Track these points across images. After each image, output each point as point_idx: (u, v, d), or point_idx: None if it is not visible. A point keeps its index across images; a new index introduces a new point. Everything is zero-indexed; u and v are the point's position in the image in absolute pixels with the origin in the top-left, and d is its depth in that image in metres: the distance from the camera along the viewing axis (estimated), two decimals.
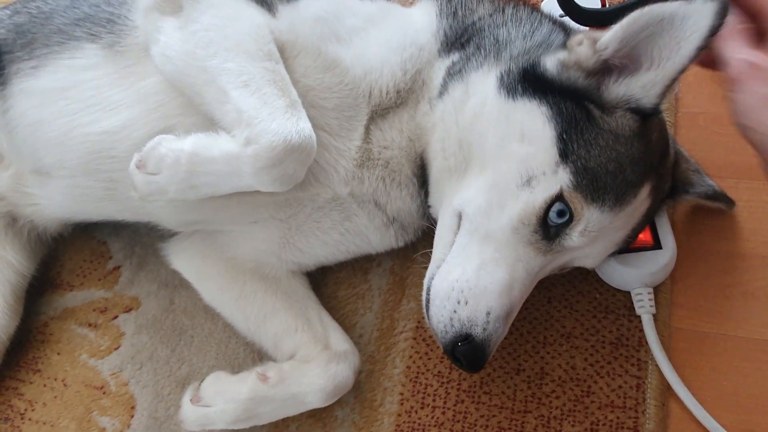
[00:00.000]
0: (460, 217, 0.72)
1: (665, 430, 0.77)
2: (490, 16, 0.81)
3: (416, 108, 0.79)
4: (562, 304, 0.88)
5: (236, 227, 0.88)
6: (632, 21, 0.65)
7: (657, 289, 0.84)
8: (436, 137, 0.77)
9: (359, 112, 0.77)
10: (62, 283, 1.08)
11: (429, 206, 0.81)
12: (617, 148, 0.68)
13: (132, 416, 0.94)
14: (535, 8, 0.82)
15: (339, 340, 0.84)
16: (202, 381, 0.82)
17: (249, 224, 0.86)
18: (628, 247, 0.79)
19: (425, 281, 0.73)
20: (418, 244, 0.91)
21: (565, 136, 0.67)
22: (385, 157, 0.79)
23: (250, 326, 0.88)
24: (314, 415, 0.87)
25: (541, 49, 0.76)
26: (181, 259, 0.94)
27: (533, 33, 0.77)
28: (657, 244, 0.81)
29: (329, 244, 0.86)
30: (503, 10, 0.81)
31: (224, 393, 0.79)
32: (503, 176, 0.69)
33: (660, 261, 0.80)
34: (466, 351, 0.67)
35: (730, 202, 0.87)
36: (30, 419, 0.96)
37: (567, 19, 0.81)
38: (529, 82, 0.71)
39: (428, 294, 0.71)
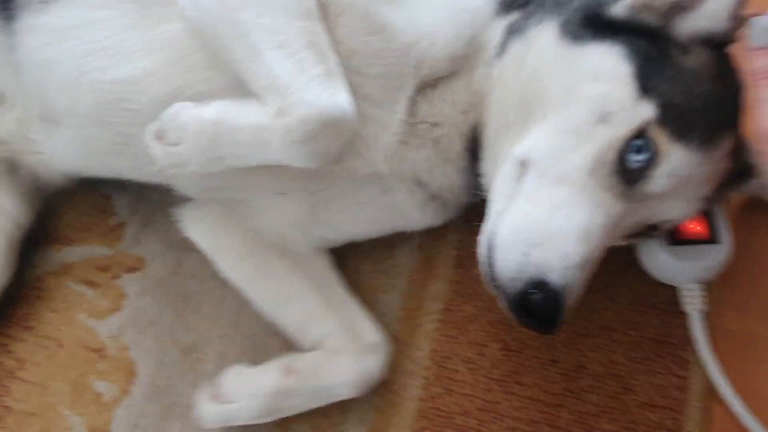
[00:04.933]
0: (523, 166, 0.70)
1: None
2: None
3: (471, 74, 0.78)
4: (603, 295, 0.87)
5: (260, 197, 0.86)
6: None
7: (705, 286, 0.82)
8: (493, 98, 0.76)
9: (405, 82, 0.75)
10: (60, 236, 1.05)
11: (479, 175, 0.79)
12: (699, 86, 0.68)
13: (131, 383, 0.91)
14: None
15: (370, 330, 0.82)
16: (220, 377, 0.81)
17: (275, 195, 0.85)
18: (681, 239, 0.77)
19: (484, 237, 0.69)
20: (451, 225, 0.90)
21: (644, 72, 0.67)
22: (434, 136, 0.78)
23: (272, 307, 0.87)
24: None
25: (595, 3, 0.75)
26: (197, 227, 0.92)
27: None
28: (713, 238, 0.80)
29: (363, 221, 0.85)
30: None
31: (247, 388, 0.78)
32: (574, 117, 0.67)
33: (716, 256, 0.79)
34: (540, 301, 0.63)
35: None
36: (20, 379, 0.94)
37: None
38: (596, 27, 0.71)
39: (490, 244, 0.68)
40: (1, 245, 0.94)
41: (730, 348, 0.81)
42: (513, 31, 0.76)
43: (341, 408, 0.85)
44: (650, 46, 0.68)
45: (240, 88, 0.72)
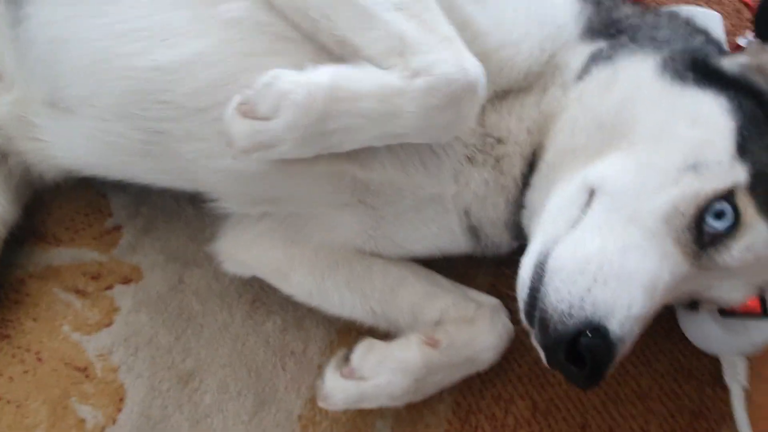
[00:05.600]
0: (591, 193, 0.63)
1: None
2: (642, 16, 0.77)
3: (543, 94, 0.72)
4: (640, 360, 0.83)
5: (315, 210, 0.79)
6: None
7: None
8: (565, 118, 0.70)
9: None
10: (47, 234, 0.95)
11: (523, 207, 0.73)
12: None
13: (119, 410, 0.83)
14: (691, 19, 0.75)
15: (481, 295, 0.79)
16: (348, 352, 0.74)
17: (333, 208, 0.77)
18: (732, 311, 0.73)
19: (530, 260, 0.62)
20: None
21: (745, 133, 0.62)
22: (497, 154, 0.72)
23: (374, 305, 0.80)
24: None
25: (701, 50, 0.72)
26: (250, 255, 0.83)
27: (691, 39, 0.74)
28: (765, 313, 0.75)
29: (425, 238, 0.78)
30: (657, 14, 0.78)
31: (388, 363, 0.72)
32: (662, 157, 0.62)
33: (766, 331, 0.75)
34: (595, 347, 0.55)
35: None
36: None
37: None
38: (702, 73, 0.67)
39: (539, 268, 0.60)
40: None
41: (764, 425, 0.78)
42: (599, 58, 0.71)
43: None
44: (755, 109, 0.64)
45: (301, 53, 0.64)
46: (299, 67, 0.64)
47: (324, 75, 0.60)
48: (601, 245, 0.58)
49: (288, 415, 0.82)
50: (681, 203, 0.59)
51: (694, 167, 0.60)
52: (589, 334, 0.55)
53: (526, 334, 0.81)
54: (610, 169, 0.63)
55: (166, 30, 0.68)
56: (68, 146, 0.79)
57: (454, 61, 0.59)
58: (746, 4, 1.00)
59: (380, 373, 0.71)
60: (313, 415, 0.82)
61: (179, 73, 0.68)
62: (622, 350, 0.56)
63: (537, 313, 0.58)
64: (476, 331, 0.74)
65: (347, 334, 0.85)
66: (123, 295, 0.91)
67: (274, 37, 0.67)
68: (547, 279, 0.58)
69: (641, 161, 0.62)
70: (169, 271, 0.92)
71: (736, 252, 0.59)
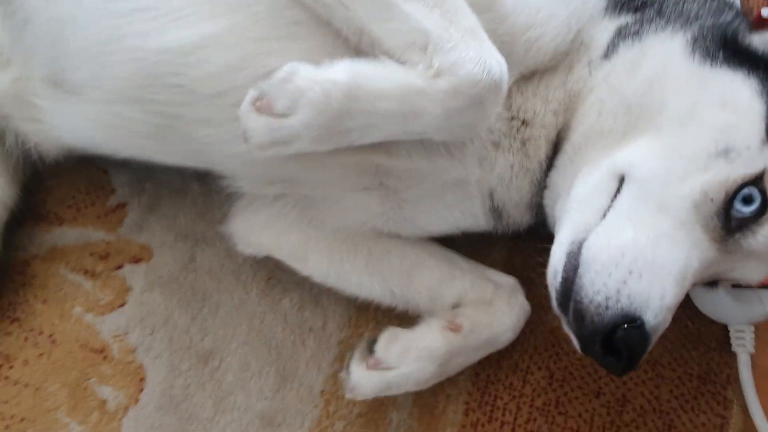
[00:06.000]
0: (620, 180, 0.63)
1: None
2: None
3: (569, 72, 0.70)
4: None
5: (334, 193, 0.77)
6: None
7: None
8: (591, 99, 0.69)
9: (511, 67, 0.65)
10: (48, 214, 0.92)
11: (545, 187, 0.72)
12: None
13: (141, 390, 0.84)
14: None
15: (498, 275, 0.80)
16: (371, 344, 0.75)
17: (352, 191, 0.76)
18: None
19: (561, 248, 0.62)
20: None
21: None
22: (523, 137, 0.71)
23: (392, 287, 0.80)
24: (365, 415, 0.81)
25: (731, 26, 0.69)
26: (265, 236, 0.82)
27: (721, 13, 0.71)
28: None
29: (446, 220, 0.78)
30: None
31: (412, 351, 0.73)
32: (691, 142, 0.62)
33: None
34: (631, 337, 0.56)
35: None
36: (6, 378, 0.84)
37: None
38: (731, 52, 0.65)
39: (574, 260, 0.60)
40: None
41: (764, 384, 0.83)
42: (625, 35, 0.69)
43: (377, 429, 0.81)
44: None
45: (327, 60, 0.60)
46: (317, 53, 0.62)
47: (342, 72, 0.57)
48: (634, 236, 0.58)
49: (310, 391, 0.84)
50: (710, 190, 0.60)
51: (725, 153, 0.60)
52: (625, 327, 0.55)
53: (541, 307, 0.85)
54: (638, 155, 0.62)
55: (177, 9, 0.64)
56: (72, 127, 0.75)
57: (478, 60, 0.57)
58: None
59: (405, 362, 0.72)
60: (335, 389, 0.83)
61: (191, 56, 0.64)
62: (656, 338, 0.58)
63: (571, 304, 0.59)
64: (495, 312, 0.75)
65: (366, 310, 0.86)
66: (134, 275, 0.90)
67: (290, 21, 0.64)
68: (581, 270, 0.59)
69: (670, 146, 0.61)
70: (180, 250, 0.91)
71: (761, 237, 0.60)
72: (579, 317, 0.58)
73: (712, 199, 0.60)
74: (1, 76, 0.76)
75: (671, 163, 0.61)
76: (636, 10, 0.72)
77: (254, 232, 0.83)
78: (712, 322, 0.84)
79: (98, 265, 0.90)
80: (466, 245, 0.86)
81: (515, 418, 0.82)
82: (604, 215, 0.61)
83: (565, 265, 0.60)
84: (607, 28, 0.71)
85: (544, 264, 0.87)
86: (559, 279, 0.60)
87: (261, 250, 0.84)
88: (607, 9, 0.72)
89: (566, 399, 0.82)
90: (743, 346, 0.81)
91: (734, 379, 0.82)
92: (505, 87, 0.59)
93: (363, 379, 0.73)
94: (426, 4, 0.58)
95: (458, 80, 0.56)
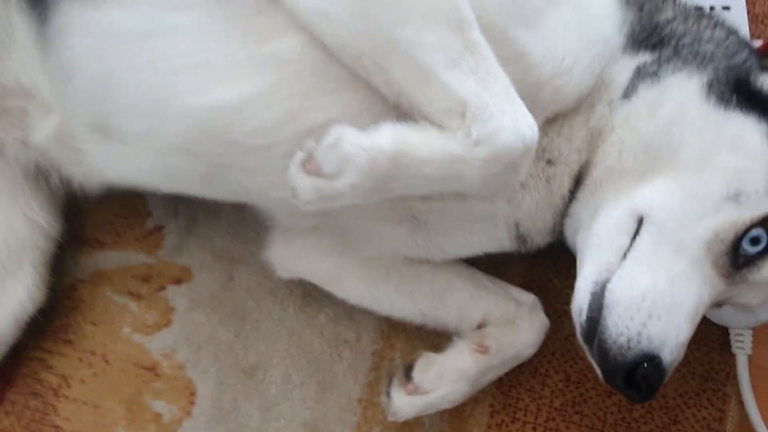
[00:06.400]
0: (639, 221, 0.68)
1: None
2: (685, 21, 0.77)
3: (591, 112, 0.74)
4: None
5: (368, 224, 0.82)
6: None
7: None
8: (612, 139, 0.73)
9: (535, 116, 0.68)
10: (89, 238, 0.98)
11: (566, 216, 0.78)
12: None
13: (192, 403, 0.91)
14: (733, 28, 0.77)
15: (519, 292, 0.87)
16: (407, 369, 0.81)
17: (385, 223, 0.80)
18: None
19: (586, 286, 0.67)
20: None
21: None
22: (547, 175, 0.75)
23: (423, 309, 0.87)
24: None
25: (744, 67, 0.74)
26: (302, 264, 0.88)
27: (735, 52, 0.76)
28: None
29: (472, 247, 0.83)
30: (699, 20, 0.78)
31: (447, 375, 0.79)
32: (705, 185, 0.67)
33: None
34: (651, 374, 0.63)
35: None
36: (66, 397, 0.91)
37: None
38: (743, 96, 0.70)
39: (599, 300, 0.66)
40: (39, 266, 0.86)
41: (762, 384, 0.92)
42: (644, 75, 0.73)
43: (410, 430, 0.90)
44: None
45: (368, 114, 0.66)
46: (357, 107, 0.66)
47: (386, 138, 0.60)
48: (653, 280, 0.64)
49: (349, 399, 0.92)
50: (722, 231, 0.65)
51: (736, 196, 0.65)
52: (645, 365, 0.62)
53: (558, 314, 0.92)
54: (656, 197, 0.67)
55: (225, 67, 0.67)
56: (118, 170, 0.79)
57: (513, 128, 0.60)
58: None
59: (441, 385, 0.79)
60: (371, 397, 0.91)
61: (240, 112, 0.67)
62: (672, 371, 0.65)
63: (596, 342, 0.65)
64: (518, 331, 0.82)
65: (397, 323, 0.93)
66: (177, 296, 0.96)
67: (331, 78, 0.66)
68: (605, 312, 0.64)
69: (686, 188, 0.67)
70: (218, 270, 0.97)
71: (765, 271, 0.67)
72: (603, 354, 0.65)
73: (722, 240, 0.65)
74: (44, 122, 0.79)
75: (687, 205, 0.66)
76: (654, 47, 0.75)
77: (291, 260, 0.88)
78: (714, 325, 0.92)
79: (142, 287, 0.96)
80: (488, 258, 0.93)
81: (536, 418, 0.91)
82: (625, 255, 0.67)
83: (590, 305, 0.66)
84: (626, 66, 0.74)
85: (561, 273, 0.96)
86: (584, 317, 0.66)
87: (298, 276, 0.90)
88: (626, 47, 0.75)
89: (582, 399, 0.91)
90: (742, 348, 0.89)
91: (732, 377, 0.91)
92: (535, 147, 0.63)
93: (404, 404, 0.80)
94: (462, 71, 0.60)
95: (495, 149, 0.59)
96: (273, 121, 0.68)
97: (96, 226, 0.98)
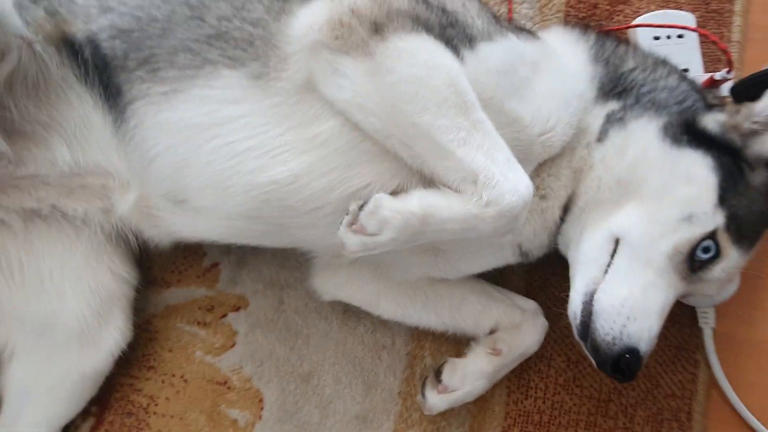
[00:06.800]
0: (615, 242, 0.87)
1: (709, 414, 1.08)
2: (644, 71, 0.94)
3: (573, 154, 0.92)
4: None
5: (399, 257, 1.00)
6: None
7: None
8: (591, 176, 0.91)
9: (529, 164, 0.89)
10: (157, 279, 1.15)
11: (560, 231, 0.96)
12: (757, 203, 0.88)
13: (261, 408, 1.10)
14: (684, 73, 0.94)
15: (523, 300, 1.06)
16: (437, 374, 1.02)
17: (412, 254, 0.99)
18: None
19: (578, 297, 0.87)
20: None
21: (723, 185, 0.85)
22: (541, 208, 0.93)
23: (445, 320, 1.06)
24: None
25: (692, 110, 0.91)
26: (342, 290, 1.07)
27: (685, 97, 0.93)
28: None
29: (484, 265, 1.02)
30: (655, 68, 0.95)
31: (469, 375, 1.00)
32: (666, 211, 0.85)
33: (731, 290, 1.05)
34: (631, 362, 0.82)
35: None
36: (155, 413, 1.09)
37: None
38: (691, 135, 0.88)
39: (588, 308, 0.85)
40: (127, 310, 1.03)
41: (726, 347, 1.12)
42: (613, 121, 0.90)
43: (443, 413, 1.09)
44: (731, 163, 0.86)
45: (397, 178, 0.83)
46: (389, 174, 0.84)
47: (416, 203, 0.77)
48: (629, 290, 0.83)
49: (390, 393, 1.11)
50: (679, 246, 0.84)
51: (689, 218, 0.84)
52: (627, 356, 0.82)
53: (557, 306, 1.11)
54: (628, 222, 0.86)
55: (278, 148, 0.83)
56: (190, 231, 0.96)
57: (514, 190, 0.77)
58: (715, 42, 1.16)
59: (466, 384, 1.00)
60: (409, 389, 1.11)
61: (293, 184, 0.84)
62: (647, 358, 0.85)
63: (589, 340, 0.85)
64: (524, 334, 1.02)
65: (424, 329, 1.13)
66: (237, 321, 1.14)
67: (365, 152, 0.83)
68: (594, 317, 0.84)
69: (650, 215, 0.85)
70: (270, 296, 1.15)
71: (716, 273, 0.86)
72: (595, 348, 0.85)
73: (681, 252, 0.84)
74: (124, 196, 0.94)
75: (652, 228, 0.85)
76: (620, 95, 0.92)
77: (335, 288, 1.07)
78: (684, 305, 1.12)
79: (207, 316, 1.14)
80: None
81: (544, 393, 1.11)
82: (606, 270, 0.86)
83: (582, 312, 0.85)
84: (598, 114, 0.92)
85: (558, 274, 1.15)
86: (578, 320, 0.86)
87: (340, 300, 1.09)
88: (597, 98, 0.92)
89: (581, 375, 1.11)
90: (707, 322, 1.09)
91: (701, 346, 1.11)
92: (530, 201, 0.79)
93: (436, 401, 1.01)
94: (472, 147, 0.76)
95: (501, 208, 0.76)
96: (321, 189, 0.85)
97: (162, 268, 1.16)
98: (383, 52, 0.78)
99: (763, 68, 1.03)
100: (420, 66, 0.78)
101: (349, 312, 1.14)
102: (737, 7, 1.24)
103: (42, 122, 0.91)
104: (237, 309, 1.15)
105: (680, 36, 1.17)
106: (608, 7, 1.23)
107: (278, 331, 1.13)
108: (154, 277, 1.15)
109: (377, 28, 0.78)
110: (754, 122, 0.88)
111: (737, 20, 1.23)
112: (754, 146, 0.88)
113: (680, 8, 1.20)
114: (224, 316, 1.14)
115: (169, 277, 1.15)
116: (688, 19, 1.18)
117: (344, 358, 1.13)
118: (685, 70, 1.12)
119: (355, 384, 1.11)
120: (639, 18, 1.19)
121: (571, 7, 1.23)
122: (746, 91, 0.97)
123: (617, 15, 1.22)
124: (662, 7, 1.20)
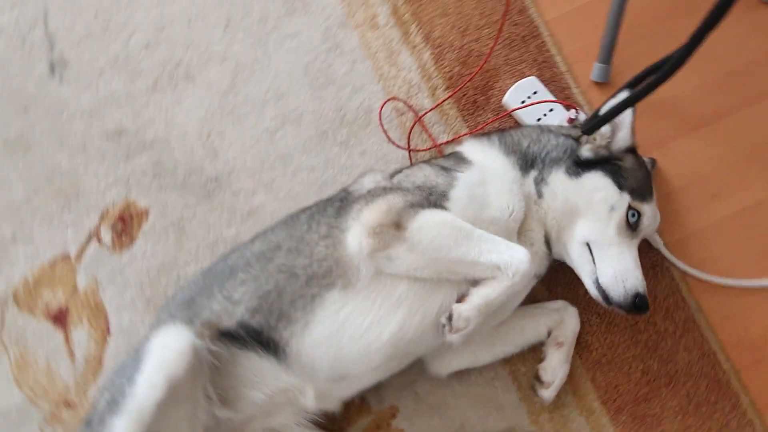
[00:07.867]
0: (587, 245, 1.43)
1: (695, 296, 1.69)
2: (537, 142, 1.52)
3: (531, 213, 1.46)
4: None
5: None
6: (612, 124, 1.49)
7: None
8: (549, 218, 1.46)
9: (513, 237, 1.45)
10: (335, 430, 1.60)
11: (551, 252, 1.53)
12: (638, 173, 1.45)
13: None
14: (556, 131, 1.56)
15: (553, 303, 1.61)
16: (537, 378, 1.59)
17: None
18: None
19: (592, 285, 1.41)
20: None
21: (615, 179, 1.42)
22: (535, 249, 1.49)
23: (517, 344, 1.60)
24: None
25: (574, 151, 1.50)
26: (453, 364, 1.61)
27: (566, 146, 1.50)
28: None
29: (520, 299, 1.54)
30: (540, 137, 1.54)
31: (556, 367, 1.56)
32: (598, 213, 1.41)
33: (658, 220, 1.61)
34: (642, 300, 1.36)
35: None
36: None
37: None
38: (580, 165, 1.46)
39: (602, 287, 1.39)
40: None
41: (679, 251, 1.69)
42: (539, 182, 1.47)
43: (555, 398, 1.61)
44: (609, 166, 1.45)
45: (455, 290, 1.34)
46: (449, 288, 1.36)
47: (476, 300, 1.29)
48: (611, 268, 1.39)
49: (514, 403, 1.63)
50: (617, 224, 1.42)
51: (612, 208, 1.42)
52: (636, 299, 1.36)
53: (577, 288, 1.65)
54: (583, 231, 1.43)
55: (379, 318, 1.32)
56: (355, 390, 1.46)
57: (521, 259, 1.29)
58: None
59: (557, 374, 1.56)
60: (524, 396, 1.64)
61: (402, 332, 1.33)
62: (647, 293, 1.40)
63: (613, 304, 1.39)
64: (568, 323, 1.58)
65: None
66: (400, 423, 1.62)
67: (431, 287, 1.34)
68: (607, 292, 1.39)
69: (592, 220, 1.43)
70: (409, 395, 1.64)
71: (646, 221, 1.44)
72: (618, 305, 1.38)
73: (621, 226, 1.42)
74: (306, 395, 1.39)
75: (598, 226, 1.43)
76: (532, 164, 1.50)
77: (447, 365, 1.59)
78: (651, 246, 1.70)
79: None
80: None
81: (599, 340, 1.67)
82: (594, 262, 1.43)
83: (598, 291, 1.42)
84: (529, 183, 1.49)
85: (558, 274, 1.70)
86: (600, 298, 1.42)
87: (453, 370, 1.62)
88: (522, 174, 1.49)
89: (612, 324, 1.68)
90: (658, 244, 1.68)
91: (671, 276, 1.69)
92: (531, 261, 1.33)
93: (547, 394, 1.57)
94: (487, 254, 1.29)
95: (521, 273, 1.29)
96: (418, 323, 1.37)
97: (332, 421, 1.62)
98: (410, 234, 1.31)
99: (597, 109, 1.57)
100: (433, 228, 1.32)
101: (459, 375, 1.65)
102: (553, 52, 1.82)
103: (232, 388, 1.39)
104: (394, 416, 1.63)
105: (535, 92, 1.78)
106: (483, 98, 1.81)
107: (427, 411, 1.64)
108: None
109: (398, 225, 1.33)
110: (606, 139, 1.50)
111: (558, 60, 1.81)
112: (613, 149, 1.49)
113: (524, 76, 1.80)
114: (388, 425, 1.63)
115: (339, 424, 1.63)
116: (534, 81, 1.78)
117: (474, 401, 1.64)
118: (551, 110, 1.73)
119: (490, 412, 1.63)
120: (504, 97, 1.77)
121: (461, 111, 1.79)
122: (592, 127, 1.54)
123: (492, 99, 1.80)
124: (514, 82, 1.79)
